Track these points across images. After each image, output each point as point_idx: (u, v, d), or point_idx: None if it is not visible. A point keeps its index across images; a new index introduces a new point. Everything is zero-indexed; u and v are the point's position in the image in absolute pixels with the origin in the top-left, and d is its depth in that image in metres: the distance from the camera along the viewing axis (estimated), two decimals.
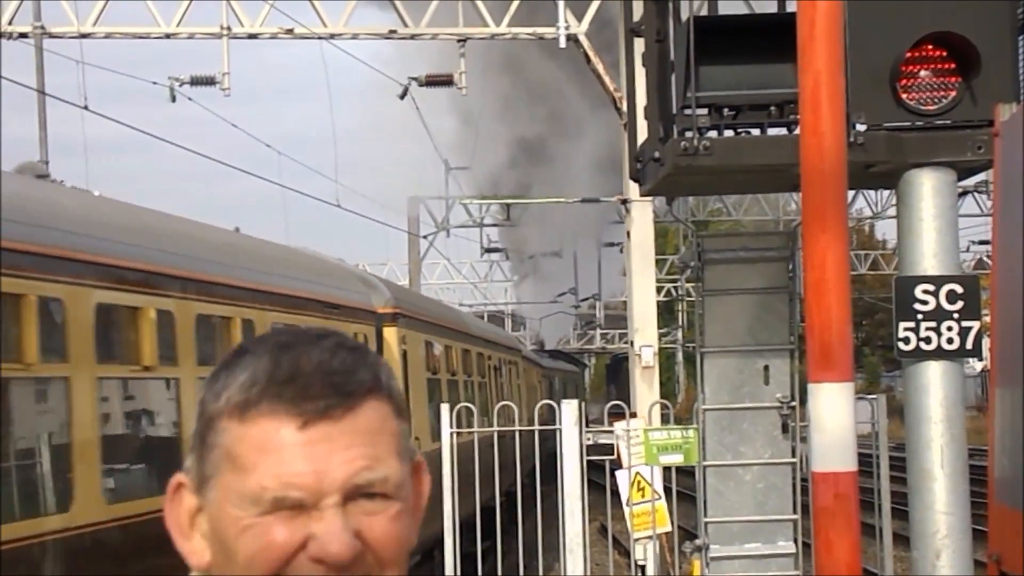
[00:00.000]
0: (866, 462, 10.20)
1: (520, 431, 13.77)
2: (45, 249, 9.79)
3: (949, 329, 8.68)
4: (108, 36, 24.03)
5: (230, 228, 15.96)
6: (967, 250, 46.81)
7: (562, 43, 23.50)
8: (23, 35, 23.15)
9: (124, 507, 10.35)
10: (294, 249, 18.28)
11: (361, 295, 17.61)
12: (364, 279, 19.46)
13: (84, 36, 23.86)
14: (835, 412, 5.39)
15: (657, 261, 29.89)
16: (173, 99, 25.25)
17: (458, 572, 13.30)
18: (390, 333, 17.68)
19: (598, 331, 67.68)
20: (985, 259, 50.71)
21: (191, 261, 12.36)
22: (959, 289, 8.71)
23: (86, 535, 9.86)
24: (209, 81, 25.02)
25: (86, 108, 21.43)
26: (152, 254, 11.59)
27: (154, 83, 25.35)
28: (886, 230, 67.74)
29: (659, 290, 44.94)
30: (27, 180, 11.46)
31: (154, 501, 10.14)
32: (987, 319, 8.75)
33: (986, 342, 8.73)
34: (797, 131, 9.09)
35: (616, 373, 69.71)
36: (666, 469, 13.39)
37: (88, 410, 10.14)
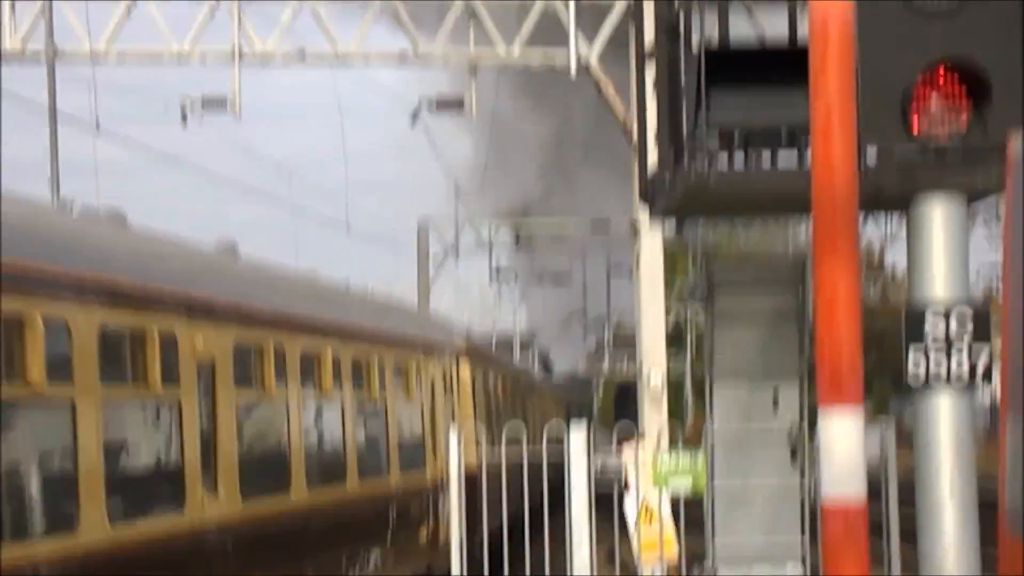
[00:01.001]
0: (875, 488, 10.18)
1: (530, 452, 13.73)
2: None
3: (960, 357, 8.67)
4: (120, 57, 24.10)
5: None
6: (977, 273, 46.79)
7: (573, 73, 23.55)
8: (35, 54, 23.23)
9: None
10: (399, 302, 24.23)
11: (447, 337, 21.68)
12: (446, 324, 23.88)
13: (96, 57, 23.94)
14: (845, 437, 5.38)
15: (666, 284, 29.91)
16: (185, 121, 25.32)
17: None
18: (464, 365, 21.88)
19: (607, 355, 67.69)
20: (995, 282, 50.67)
21: (349, 317, 16.57)
22: (969, 314, 8.70)
23: None
24: (220, 103, 25.10)
25: (97, 127, 21.49)
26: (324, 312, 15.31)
27: (165, 108, 25.42)
28: (895, 258, 67.70)
29: (667, 312, 44.94)
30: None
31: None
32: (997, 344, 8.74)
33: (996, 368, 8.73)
34: (809, 158, 9.12)
35: (625, 397, 69.66)
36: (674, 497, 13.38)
37: None
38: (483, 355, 25.12)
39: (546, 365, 59.86)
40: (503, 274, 53.43)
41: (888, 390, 73.91)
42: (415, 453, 17.57)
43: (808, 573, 11.14)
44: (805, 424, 11.04)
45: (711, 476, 11.25)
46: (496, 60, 24.42)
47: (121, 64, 24.54)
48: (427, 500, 17.30)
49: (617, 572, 19.12)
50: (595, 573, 13.08)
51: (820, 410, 5.31)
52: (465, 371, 21.93)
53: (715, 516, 11.23)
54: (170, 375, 11.10)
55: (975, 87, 8.60)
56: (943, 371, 8.68)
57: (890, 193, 8.96)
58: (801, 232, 48.45)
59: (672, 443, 13.92)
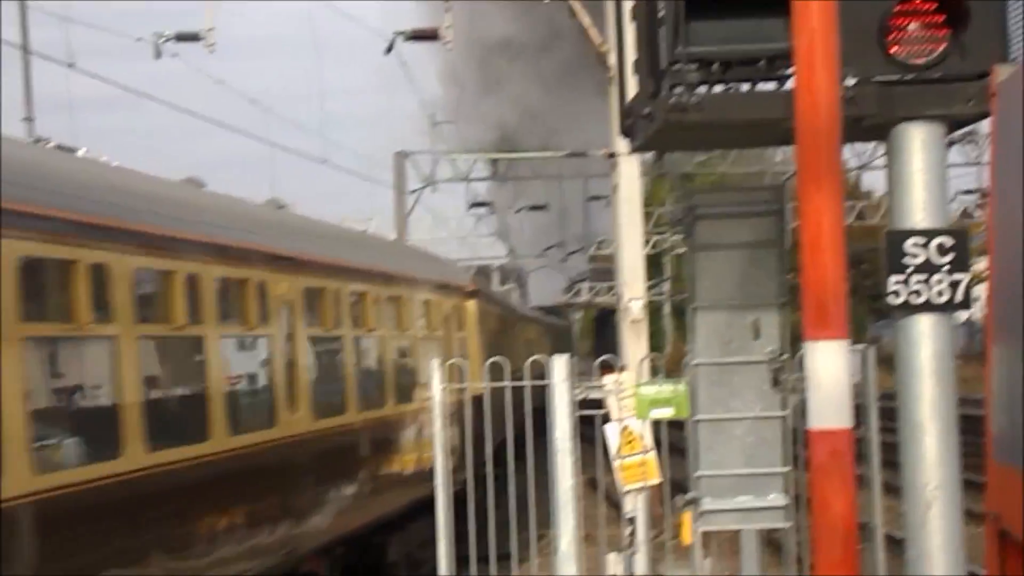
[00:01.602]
0: (856, 412, 10.26)
1: (513, 386, 13.80)
2: None
3: (939, 282, 8.71)
4: None
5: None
6: (953, 199, 46.86)
7: None
8: None
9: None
10: (420, 248, 29.01)
11: (458, 277, 25.23)
12: (456, 267, 27.73)
13: None
14: (831, 369, 5.42)
15: (644, 214, 29.90)
16: (158, 55, 25.16)
17: (452, 527, 13.36)
18: (471, 304, 24.86)
19: (586, 284, 67.79)
20: (972, 209, 50.78)
21: (378, 261, 19.46)
22: (949, 242, 8.73)
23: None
24: (194, 37, 24.95)
25: (71, 66, 21.33)
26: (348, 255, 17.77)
27: (139, 39, 25.24)
28: (872, 181, 67.83)
29: (647, 242, 44.94)
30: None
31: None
32: (976, 268, 8.78)
33: (978, 292, 8.77)
34: (787, 85, 9.11)
35: (604, 326, 69.82)
36: (656, 423, 13.44)
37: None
38: (484, 293, 28.25)
39: (523, 292, 60.00)
40: (481, 204, 53.36)
41: (866, 312, 74.28)
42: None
43: (791, 502, 11.22)
44: (787, 352, 11.08)
45: (693, 405, 11.30)
46: None
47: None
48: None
49: (600, 499, 19.22)
50: (578, 500, 13.18)
51: (806, 343, 5.33)
52: (472, 307, 25.02)
53: (697, 445, 11.29)
54: (264, 315, 14.01)
55: (953, 13, 8.59)
56: (923, 296, 8.72)
57: (869, 122, 8.96)
58: (778, 155, 48.41)
59: (653, 371, 13.98)
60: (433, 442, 13.32)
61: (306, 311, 15.47)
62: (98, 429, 11.01)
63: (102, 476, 10.75)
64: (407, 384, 19.29)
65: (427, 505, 13.14)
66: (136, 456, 11.42)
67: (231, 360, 13.66)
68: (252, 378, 14.34)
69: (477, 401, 13.63)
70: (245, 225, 14.90)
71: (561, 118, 52.25)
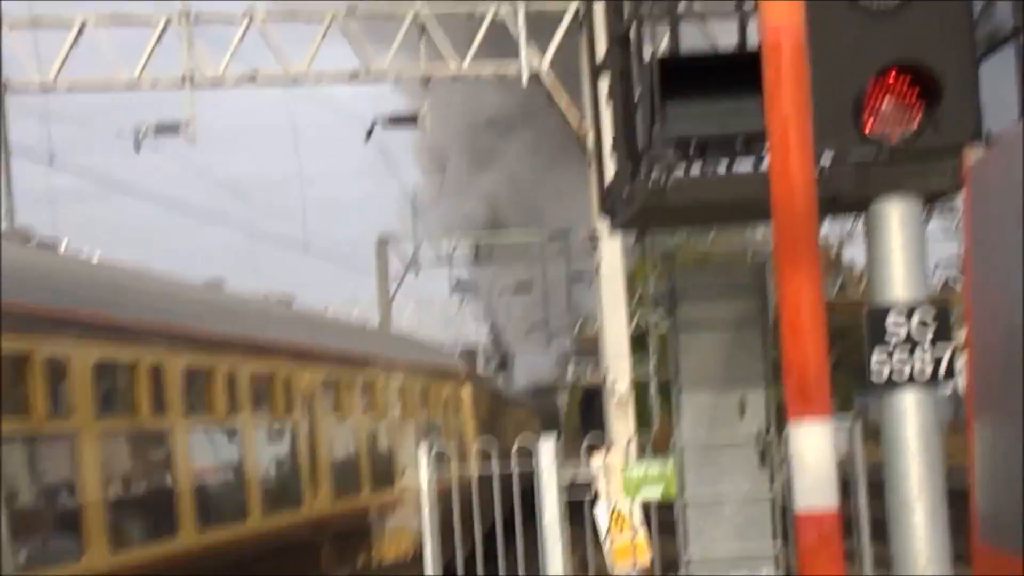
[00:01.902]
0: (844, 484, 10.25)
1: (501, 474, 13.75)
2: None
3: (922, 357, 8.72)
4: (71, 88, 24.01)
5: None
6: (935, 271, 47.00)
7: (524, 82, 23.58)
8: None
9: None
10: (418, 339, 31.41)
11: (454, 364, 27.22)
12: (449, 354, 29.97)
13: (47, 87, 23.83)
14: (815, 449, 5.41)
15: (628, 291, 29.96)
16: (138, 149, 25.24)
17: None
18: (466, 389, 26.54)
19: (571, 364, 67.72)
20: (953, 280, 50.94)
21: (390, 351, 21.46)
22: (930, 314, 8.75)
23: None
24: (173, 129, 25.02)
25: (51, 164, 21.40)
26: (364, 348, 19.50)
27: (118, 136, 25.32)
28: (854, 253, 67.96)
29: (630, 321, 44.92)
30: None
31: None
32: (960, 338, 8.79)
33: (963, 362, 8.77)
34: (765, 164, 9.16)
35: (590, 405, 69.70)
36: (645, 503, 13.39)
37: None
38: (476, 377, 30.28)
39: (505, 368, 60.08)
40: (464, 287, 53.43)
41: (851, 385, 74.18)
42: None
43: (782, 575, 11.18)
44: (773, 429, 11.07)
45: (681, 483, 11.27)
46: (447, 73, 24.43)
47: (72, 93, 24.44)
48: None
49: None
50: None
51: (790, 422, 5.33)
52: (467, 392, 26.62)
53: (687, 522, 11.25)
54: (288, 406, 15.39)
55: (927, 88, 8.65)
56: (907, 371, 8.73)
57: (847, 197, 9.01)
58: (759, 234, 48.62)
59: (641, 451, 13.95)
60: (422, 527, 13.24)
61: (326, 399, 17.20)
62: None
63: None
64: (411, 465, 20.23)
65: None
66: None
67: (264, 447, 15.13)
68: (283, 464, 15.75)
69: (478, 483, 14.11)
70: (272, 323, 16.51)
71: (545, 194, 52.41)
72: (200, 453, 13.12)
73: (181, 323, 13.01)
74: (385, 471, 19.25)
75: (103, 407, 11.15)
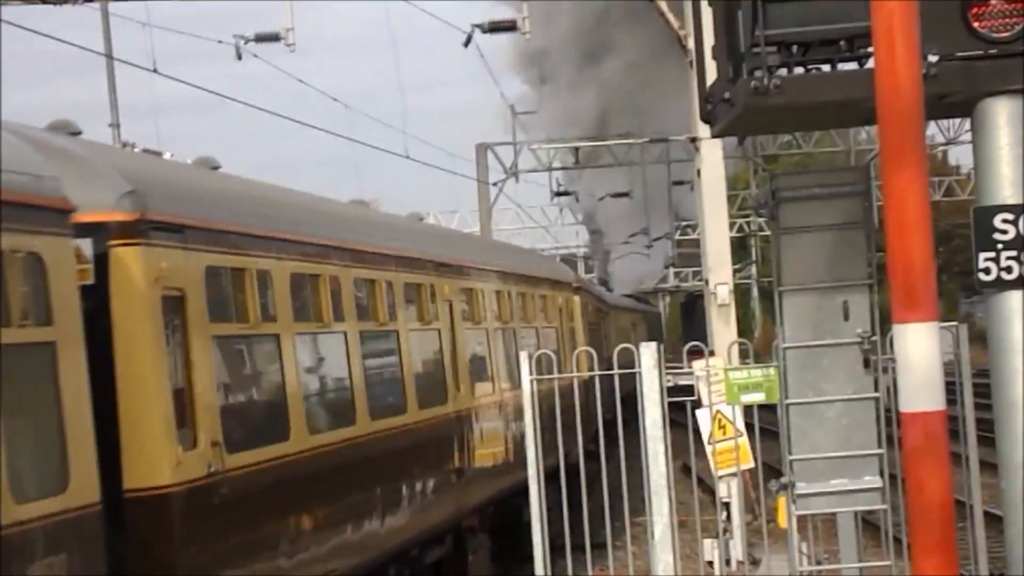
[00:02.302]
0: (950, 389, 10.18)
1: (600, 375, 13.81)
2: None
3: None
4: None
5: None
6: None
7: None
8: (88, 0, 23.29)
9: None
10: (535, 253, 34.25)
11: (566, 275, 29.29)
12: (562, 265, 32.23)
13: None
14: (922, 351, 5.37)
15: (729, 197, 29.76)
16: (239, 57, 25.35)
17: (544, 519, 13.38)
18: (576, 298, 28.24)
19: (671, 270, 67.55)
20: None
21: (515, 264, 23.60)
22: None
23: None
24: (274, 37, 25.11)
25: (155, 71, 21.55)
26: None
27: (219, 42, 25.44)
28: (960, 155, 67.01)
29: (731, 226, 44.66)
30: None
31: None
32: None
33: None
34: (868, 64, 9.03)
35: (691, 312, 69.56)
36: (748, 407, 13.40)
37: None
38: (585, 287, 32.18)
39: (606, 283, 60.01)
40: (564, 193, 53.32)
41: (957, 288, 73.49)
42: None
43: (886, 483, 11.12)
44: (877, 332, 10.98)
45: (784, 386, 11.23)
46: None
47: (174, 2, 24.57)
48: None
49: (694, 485, 19.19)
50: (672, 488, 13.17)
51: (895, 326, 5.29)
52: (577, 300, 28.21)
53: (790, 429, 11.21)
54: (435, 313, 17.20)
55: None
56: (1015, 272, 8.62)
57: (953, 98, 8.87)
58: (862, 134, 47.97)
59: (743, 357, 13.93)
60: (525, 434, 13.36)
61: (464, 308, 19.01)
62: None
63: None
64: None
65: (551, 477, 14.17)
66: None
67: (416, 349, 16.71)
68: (431, 364, 17.38)
69: (585, 386, 15.06)
70: (420, 239, 18.45)
71: (647, 101, 51.96)
72: (368, 354, 14.93)
73: (353, 241, 14.88)
74: (512, 372, 20.30)
75: (297, 313, 13.06)
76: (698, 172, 23.17)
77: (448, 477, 17.25)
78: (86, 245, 9.87)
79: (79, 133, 11.31)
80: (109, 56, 23.44)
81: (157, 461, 10.19)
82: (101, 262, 10.08)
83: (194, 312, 10.98)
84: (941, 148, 51.59)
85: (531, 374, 13.44)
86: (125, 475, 9.99)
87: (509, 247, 30.68)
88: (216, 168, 13.97)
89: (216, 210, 11.90)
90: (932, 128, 43.09)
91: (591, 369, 13.64)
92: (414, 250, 17.28)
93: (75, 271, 9.40)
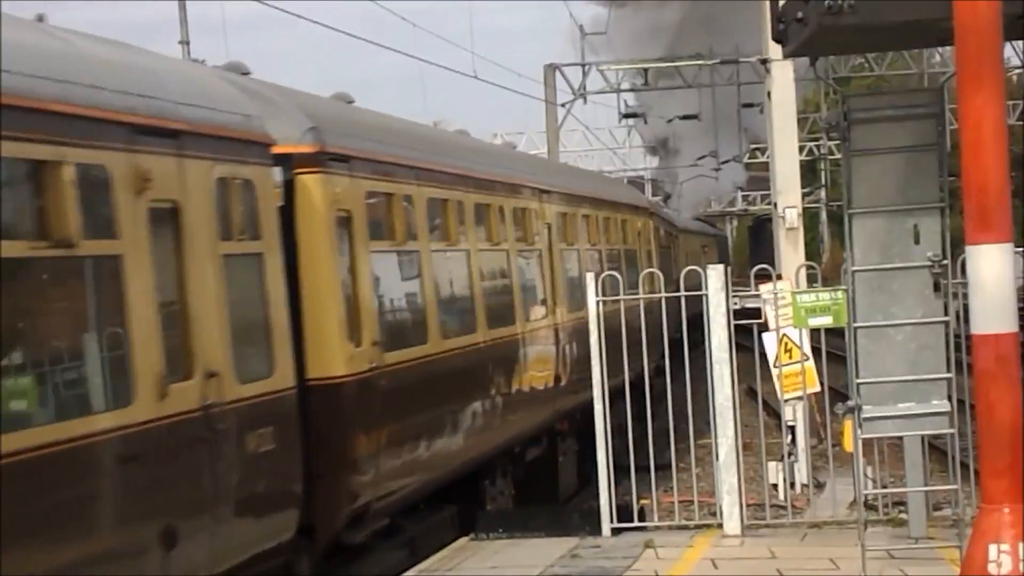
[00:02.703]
0: (1022, 315, 10.10)
1: (667, 297, 13.80)
2: None
3: None
4: None
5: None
6: None
7: None
8: None
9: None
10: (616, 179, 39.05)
11: (640, 199, 31.61)
12: (635, 190, 34.30)
13: None
14: (995, 274, 5.32)
15: (799, 120, 29.48)
16: None
17: (610, 439, 13.43)
18: (649, 222, 30.29)
19: (739, 193, 67.18)
20: None
21: (605, 193, 25.82)
22: None
23: None
24: None
25: None
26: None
27: None
28: None
29: (801, 149, 44.28)
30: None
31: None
32: None
33: None
34: None
35: (759, 235, 69.22)
36: (815, 331, 13.35)
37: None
38: (657, 212, 34.28)
39: (670, 198, 60.09)
40: (632, 114, 53.02)
41: None
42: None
43: (954, 407, 11.07)
44: (948, 256, 10.88)
45: (852, 312, 11.17)
46: None
47: None
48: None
49: (759, 408, 19.17)
50: (737, 410, 13.18)
51: (968, 247, 5.22)
52: (650, 224, 30.11)
53: (857, 352, 11.15)
54: (536, 235, 18.29)
55: None
56: None
57: None
58: (936, 57, 47.36)
59: (810, 281, 13.86)
60: (591, 354, 13.39)
61: (559, 230, 20.61)
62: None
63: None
64: (633, 276, 22.67)
65: (634, 384, 14.89)
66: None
67: (522, 268, 18.22)
68: (533, 281, 18.82)
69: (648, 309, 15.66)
70: (524, 167, 20.58)
71: (719, 21, 51.47)
72: (484, 272, 16.66)
73: (471, 169, 16.52)
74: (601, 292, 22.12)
75: (432, 233, 14.82)
76: (768, 94, 22.97)
77: (547, 384, 18.69)
78: (277, 173, 11.46)
79: (248, 73, 12.70)
80: None
81: (334, 356, 11.99)
82: (288, 187, 11.78)
83: (358, 230, 12.68)
84: (1017, 71, 50.88)
85: (597, 295, 13.46)
86: (308, 367, 11.67)
87: (594, 174, 33.41)
88: (351, 103, 15.24)
89: (370, 142, 13.57)
90: (1008, 50, 42.40)
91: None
92: (520, 177, 18.99)
93: (275, 195, 11.26)
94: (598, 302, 13.47)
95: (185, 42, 24.92)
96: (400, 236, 13.82)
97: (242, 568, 10.08)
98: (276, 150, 11.32)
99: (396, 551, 13.42)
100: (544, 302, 19.21)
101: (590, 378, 13.56)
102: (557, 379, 19.18)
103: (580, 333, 19.60)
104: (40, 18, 9.51)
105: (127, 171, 8.94)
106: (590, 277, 13.58)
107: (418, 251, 14.36)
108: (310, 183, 11.91)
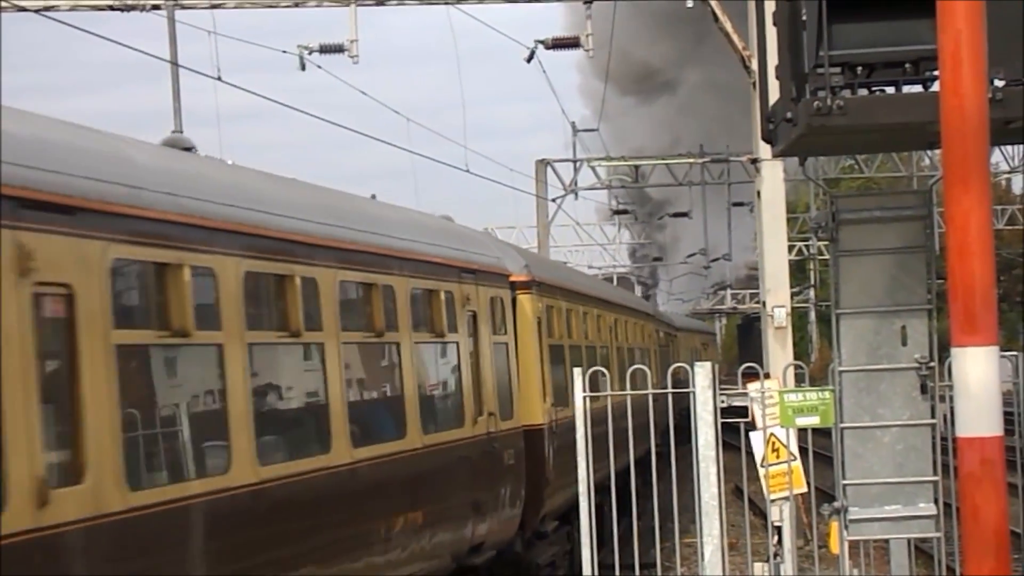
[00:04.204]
0: (1007, 419, 10.07)
1: (654, 394, 13.76)
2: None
3: None
4: (238, 6, 24.27)
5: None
6: None
7: (689, 2, 23.32)
8: (156, 7, 23.46)
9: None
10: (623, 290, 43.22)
11: (648, 306, 38.21)
12: (643, 301, 40.81)
13: (215, 6, 24.12)
14: (980, 376, 5.31)
15: (788, 220, 29.62)
16: (303, 67, 25.46)
17: (594, 534, 13.34)
18: (652, 323, 35.95)
19: (728, 292, 67.35)
20: None
21: (623, 300, 31.36)
22: None
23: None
24: (338, 49, 25.20)
25: (219, 79, 21.68)
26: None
27: (284, 52, 25.57)
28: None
29: (791, 248, 44.47)
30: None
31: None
32: None
33: None
34: (933, 88, 8.96)
35: (748, 334, 69.33)
36: (802, 430, 13.31)
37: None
38: (659, 314, 39.64)
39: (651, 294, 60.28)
40: (622, 212, 53.26)
41: (1018, 318, 72.86)
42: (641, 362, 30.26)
43: (941, 511, 11.01)
44: (935, 357, 10.88)
45: (839, 410, 11.14)
46: None
47: (239, 11, 24.71)
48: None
49: (746, 508, 19.09)
50: (723, 509, 13.08)
51: (954, 349, 5.22)
52: (650, 328, 33.99)
53: (844, 453, 11.12)
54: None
55: None
56: None
57: (1017, 124, 8.78)
58: (925, 160, 47.69)
59: (798, 380, 13.84)
60: (576, 450, 13.32)
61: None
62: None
63: None
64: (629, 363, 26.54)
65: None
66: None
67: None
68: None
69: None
70: (593, 283, 27.31)
71: (708, 125, 51.87)
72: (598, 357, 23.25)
73: (595, 288, 24.59)
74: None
75: (579, 333, 22.76)
76: (758, 193, 23.07)
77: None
78: (507, 292, 17.64)
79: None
80: (174, 63, 23.61)
81: (537, 410, 18.21)
82: (512, 302, 17.84)
83: (544, 330, 18.98)
84: (1005, 176, 51.20)
85: (584, 391, 13.42)
86: (521, 417, 17.32)
87: (613, 287, 39.51)
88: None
89: (546, 272, 20.46)
90: (996, 155, 42.77)
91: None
92: (597, 291, 26.58)
93: (510, 306, 17.55)
94: (585, 398, 13.42)
95: (179, 131, 25.02)
96: (559, 334, 20.51)
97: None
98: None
99: None
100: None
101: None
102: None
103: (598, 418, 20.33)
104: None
105: (459, 296, 15.44)
106: (577, 372, 13.54)
107: (563, 344, 20.79)
108: (525, 300, 18.40)
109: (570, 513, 19.29)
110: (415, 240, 15.36)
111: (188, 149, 11.99)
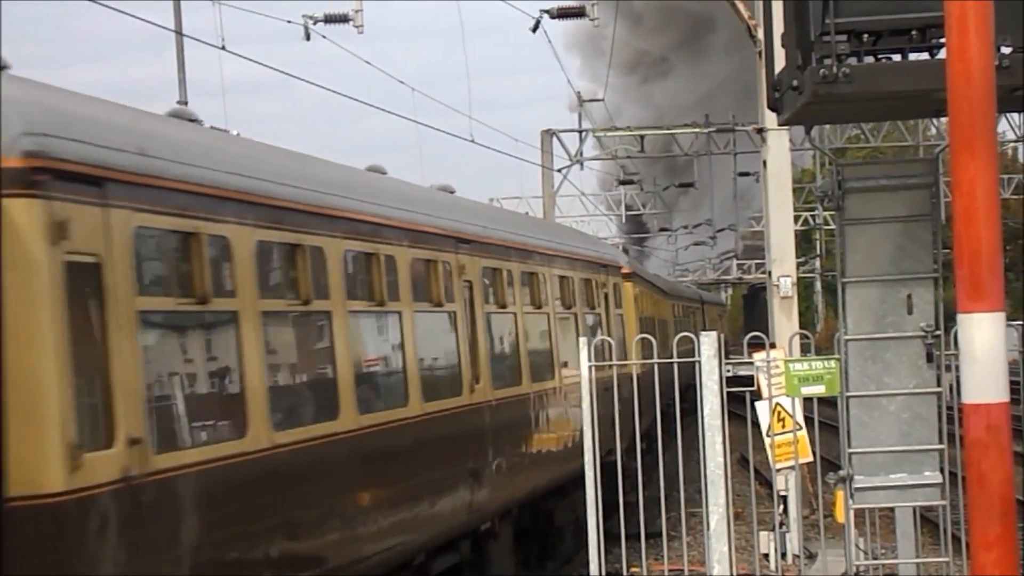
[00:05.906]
0: (1013, 388, 10.06)
1: (660, 363, 13.76)
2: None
3: None
4: None
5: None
6: None
7: None
8: None
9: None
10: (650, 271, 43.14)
11: (676, 285, 43.13)
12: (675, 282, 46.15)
13: None
14: (986, 342, 5.30)
15: (794, 189, 29.57)
16: (308, 37, 25.41)
17: (600, 506, 13.35)
18: (675, 301, 41.37)
19: (734, 262, 67.29)
20: None
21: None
22: None
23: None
24: (343, 19, 25.14)
25: (223, 48, 21.62)
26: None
27: (288, 22, 25.51)
28: None
29: (796, 218, 44.38)
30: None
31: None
32: None
33: None
34: (939, 55, 8.93)
35: (754, 303, 69.29)
36: (807, 399, 13.31)
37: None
38: (676, 288, 42.06)
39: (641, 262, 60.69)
40: (628, 182, 53.15)
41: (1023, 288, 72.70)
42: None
43: (946, 478, 11.02)
44: (941, 326, 10.87)
45: (845, 379, 11.14)
46: None
47: None
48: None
49: (751, 477, 19.09)
50: (728, 479, 13.10)
51: (960, 315, 5.22)
52: (695, 305, 39.31)
53: (850, 422, 11.12)
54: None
55: None
56: None
57: None
58: (931, 129, 47.59)
59: (804, 350, 13.84)
60: (582, 419, 13.34)
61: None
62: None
63: None
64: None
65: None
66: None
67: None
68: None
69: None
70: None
71: (714, 95, 51.79)
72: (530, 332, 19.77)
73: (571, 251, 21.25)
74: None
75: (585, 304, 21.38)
76: (764, 163, 23.03)
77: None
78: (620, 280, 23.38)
79: (197, 120, 12.10)
80: (179, 32, 23.54)
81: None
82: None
83: (638, 307, 24.74)
84: (1011, 144, 51.06)
85: (590, 360, 13.42)
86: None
87: (672, 280, 45.17)
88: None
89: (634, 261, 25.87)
90: (1003, 124, 42.63)
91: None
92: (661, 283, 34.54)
93: (612, 288, 22.05)
94: (590, 367, 13.42)
95: (183, 102, 24.99)
96: (647, 312, 26.76)
97: None
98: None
99: None
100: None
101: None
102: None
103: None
104: None
105: (611, 288, 22.25)
106: (583, 342, 13.54)
107: (652, 317, 28.03)
108: (627, 285, 23.76)
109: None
110: (559, 243, 19.79)
111: (193, 121, 12.03)
